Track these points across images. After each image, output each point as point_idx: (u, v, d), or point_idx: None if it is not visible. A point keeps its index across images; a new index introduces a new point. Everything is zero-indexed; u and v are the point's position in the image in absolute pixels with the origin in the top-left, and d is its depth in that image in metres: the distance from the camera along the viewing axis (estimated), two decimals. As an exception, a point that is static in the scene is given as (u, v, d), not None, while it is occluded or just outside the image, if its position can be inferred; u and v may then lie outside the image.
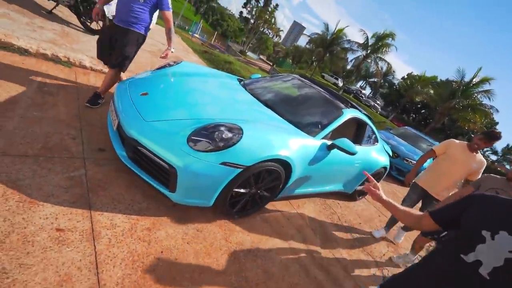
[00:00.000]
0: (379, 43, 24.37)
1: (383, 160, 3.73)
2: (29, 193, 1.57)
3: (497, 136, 2.53)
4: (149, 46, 6.43)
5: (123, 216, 1.74)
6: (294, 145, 2.17)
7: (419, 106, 38.79)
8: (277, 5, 48.40)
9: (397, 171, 6.50)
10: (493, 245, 0.86)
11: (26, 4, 4.38)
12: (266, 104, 2.62)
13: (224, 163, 1.76)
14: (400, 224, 3.53)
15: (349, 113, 2.83)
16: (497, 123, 36.89)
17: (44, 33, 3.73)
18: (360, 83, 48.66)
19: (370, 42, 25.46)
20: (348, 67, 34.78)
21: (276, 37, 55.84)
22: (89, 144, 2.21)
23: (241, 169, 1.82)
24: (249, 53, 45.78)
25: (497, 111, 20.39)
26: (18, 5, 4.13)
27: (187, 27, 32.49)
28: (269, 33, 52.90)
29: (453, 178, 2.79)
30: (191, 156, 1.72)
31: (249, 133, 1.88)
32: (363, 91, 40.82)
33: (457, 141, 2.89)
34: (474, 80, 19.89)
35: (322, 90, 3.13)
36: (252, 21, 48.24)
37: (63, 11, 5.00)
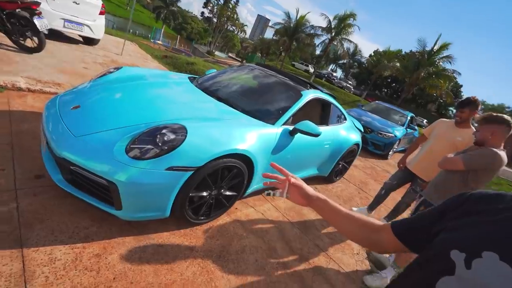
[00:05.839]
0: (342, 24, 24.73)
1: (354, 137, 3.69)
2: None
3: (466, 101, 2.40)
4: (101, 57, 6.06)
5: (65, 247, 1.53)
6: (252, 136, 2.03)
7: (389, 80, 40.09)
8: (237, 0, 48.05)
9: (373, 145, 6.57)
10: (467, 280, 0.48)
11: None
12: (219, 98, 2.46)
13: (170, 168, 1.59)
14: (387, 205, 3.42)
15: (308, 95, 2.72)
16: (461, 85, 38.88)
17: (-32, 58, 3.34)
18: (331, 67, 49.56)
19: (333, 24, 25.78)
20: (317, 52, 35.24)
21: (241, 32, 55.51)
22: (23, 172, 1.95)
23: (191, 171, 1.66)
24: (217, 53, 45.16)
25: (459, 74, 21.37)
26: None
27: (149, 35, 31.53)
28: (234, 29, 52.46)
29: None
30: (131, 166, 1.53)
31: (195, 131, 1.72)
32: (335, 74, 41.56)
33: (446, 119, 2.75)
34: (435, 47, 20.68)
35: (279, 76, 3.01)
36: (215, 20, 47.58)
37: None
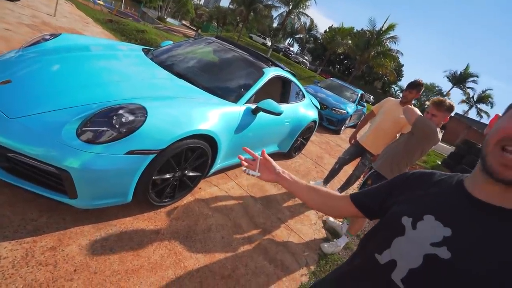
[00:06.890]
0: (299, -3, 24.48)
1: (312, 114, 3.86)
2: None
3: (415, 83, 2.60)
4: (28, 18, 5.12)
5: (11, 243, 1.38)
6: (215, 116, 1.98)
7: (341, 57, 41.81)
8: (189, -40, 43.70)
9: (328, 121, 6.98)
10: (413, 237, 0.62)
11: None
12: (178, 74, 2.31)
13: (130, 152, 1.49)
14: (339, 178, 3.73)
15: (270, 72, 2.72)
16: (403, 65, 42.51)
17: None
18: (288, 41, 49.49)
19: (291, -4, 25.35)
20: (274, 25, 34.70)
21: (196, -2, 51.39)
22: None
23: (154, 155, 1.58)
24: (169, 19, 41.32)
25: (402, 54, 23.25)
26: None
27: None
28: (187, -6, 48.23)
29: (388, 133, 2.76)
30: (85, 151, 1.39)
31: (155, 111, 1.61)
32: (291, 49, 41.73)
33: (393, 98, 2.94)
34: (383, 27, 21.94)
35: (241, 51, 2.92)
36: (164, -19, 42.87)
37: None
